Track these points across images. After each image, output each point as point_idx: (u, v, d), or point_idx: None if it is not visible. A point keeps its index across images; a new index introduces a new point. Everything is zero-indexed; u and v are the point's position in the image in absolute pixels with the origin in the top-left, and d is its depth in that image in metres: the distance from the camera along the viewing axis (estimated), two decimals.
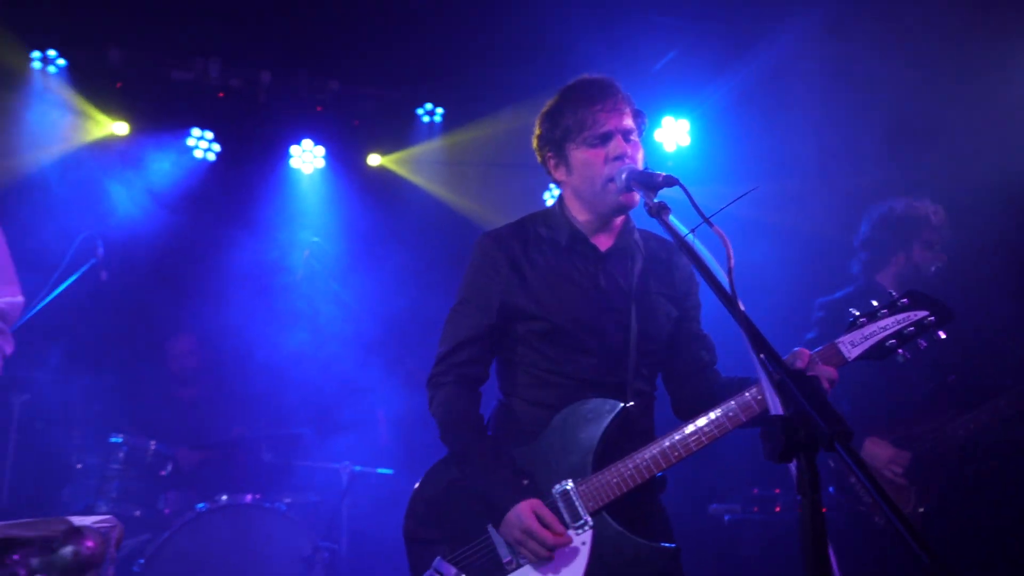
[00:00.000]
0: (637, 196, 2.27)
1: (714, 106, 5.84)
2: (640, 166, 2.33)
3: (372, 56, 5.93)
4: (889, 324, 2.25)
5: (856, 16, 4.88)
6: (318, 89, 6.29)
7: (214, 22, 5.46)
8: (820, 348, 2.29)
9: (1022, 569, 3.55)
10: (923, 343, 2.28)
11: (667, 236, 1.96)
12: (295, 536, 4.58)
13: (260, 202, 6.06)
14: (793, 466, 1.32)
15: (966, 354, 3.44)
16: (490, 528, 2.25)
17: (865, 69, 5.00)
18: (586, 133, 2.33)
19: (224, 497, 4.54)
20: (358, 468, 5.06)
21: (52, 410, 4.89)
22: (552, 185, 6.27)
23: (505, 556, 2.22)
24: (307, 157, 6.32)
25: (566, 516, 2.22)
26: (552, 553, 2.17)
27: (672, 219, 1.96)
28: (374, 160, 6.51)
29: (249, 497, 4.63)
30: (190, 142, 6.07)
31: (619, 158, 2.29)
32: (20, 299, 1.95)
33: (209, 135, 6.11)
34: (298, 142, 6.28)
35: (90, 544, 1.07)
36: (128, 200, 5.54)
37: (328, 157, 6.37)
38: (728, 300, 1.66)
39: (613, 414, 2.26)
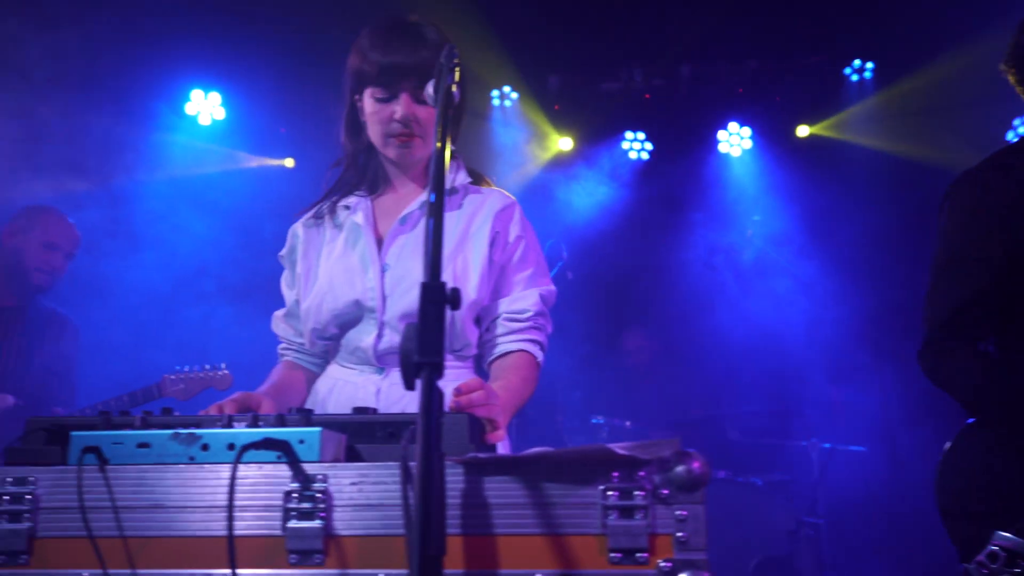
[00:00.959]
0: None
1: None
2: None
3: (787, 28, 5.83)
4: None
5: None
6: (736, 72, 6.37)
7: (633, 32, 5.88)
8: None
9: None
10: None
11: None
12: (773, 510, 4.65)
13: (695, 191, 6.27)
14: None
15: None
16: None
17: None
18: None
19: None
20: (827, 446, 4.99)
21: (552, 401, 5.50)
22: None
23: None
24: (734, 140, 6.41)
25: None
26: None
27: None
28: (803, 131, 6.37)
29: (722, 473, 4.81)
30: (624, 145, 6.52)
31: None
32: (554, 288, 2.28)
33: (641, 136, 6.51)
34: (724, 127, 6.40)
35: (697, 464, 1.23)
36: (581, 206, 6.12)
37: (755, 137, 6.39)
38: None
39: None
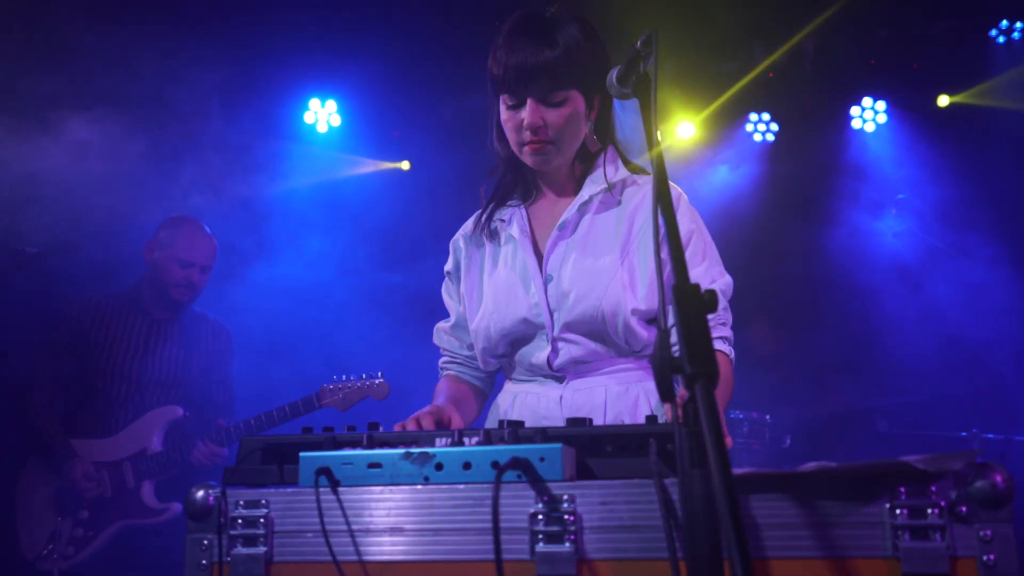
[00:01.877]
0: None
1: None
2: None
3: None
4: None
5: None
6: (867, 42, 6.04)
7: (755, 11, 5.62)
8: None
9: None
10: None
11: None
12: None
13: (827, 170, 5.97)
14: None
15: None
16: None
17: None
18: None
19: None
20: (990, 436, 4.69)
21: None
22: None
23: None
24: (867, 115, 6.07)
25: None
26: None
27: None
28: (943, 101, 5.98)
29: None
30: (748, 127, 6.26)
31: None
32: (730, 279, 2.16)
33: (766, 116, 6.23)
34: (857, 102, 6.07)
35: (1000, 478, 1.08)
36: (706, 191, 5.92)
37: (889, 110, 6.04)
38: None
39: None
